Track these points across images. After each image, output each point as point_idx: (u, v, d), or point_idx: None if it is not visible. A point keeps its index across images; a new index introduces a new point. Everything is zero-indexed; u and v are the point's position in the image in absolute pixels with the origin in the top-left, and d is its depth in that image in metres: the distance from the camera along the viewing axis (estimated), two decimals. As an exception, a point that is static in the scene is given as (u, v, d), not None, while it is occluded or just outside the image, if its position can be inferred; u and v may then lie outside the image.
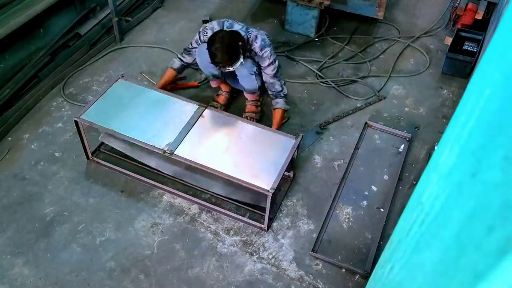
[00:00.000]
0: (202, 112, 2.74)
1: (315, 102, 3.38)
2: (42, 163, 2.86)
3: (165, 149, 2.52)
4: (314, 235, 2.56)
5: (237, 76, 2.91)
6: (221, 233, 2.57)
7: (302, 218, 2.65)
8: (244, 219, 2.61)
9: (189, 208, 2.67)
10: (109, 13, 3.66)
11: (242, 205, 2.67)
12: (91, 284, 2.32)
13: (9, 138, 3.01)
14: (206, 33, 2.82)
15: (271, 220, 2.59)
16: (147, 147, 2.56)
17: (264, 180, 2.40)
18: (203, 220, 2.61)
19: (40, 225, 2.54)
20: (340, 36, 4.00)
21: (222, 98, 3.21)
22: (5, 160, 2.87)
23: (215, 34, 2.65)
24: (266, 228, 2.55)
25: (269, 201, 2.38)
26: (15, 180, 2.76)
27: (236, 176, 2.42)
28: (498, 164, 0.55)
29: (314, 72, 3.62)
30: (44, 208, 2.62)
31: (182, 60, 3.07)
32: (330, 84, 3.51)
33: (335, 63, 3.73)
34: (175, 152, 2.51)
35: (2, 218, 2.57)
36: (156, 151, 2.54)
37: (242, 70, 2.81)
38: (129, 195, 2.72)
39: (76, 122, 2.68)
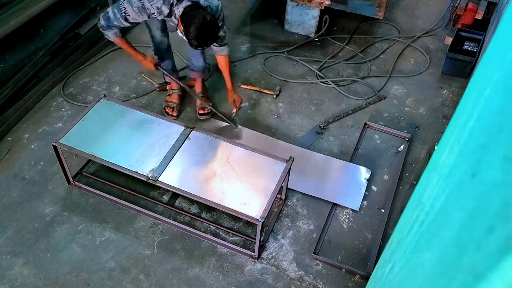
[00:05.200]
0: (189, 134, 2.60)
1: (315, 102, 3.38)
2: (42, 163, 2.86)
3: (149, 176, 2.39)
4: (314, 235, 2.56)
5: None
6: (221, 233, 2.57)
7: (302, 218, 2.65)
8: (233, 246, 2.48)
9: (189, 208, 2.67)
10: (109, 13, 3.66)
11: (231, 231, 2.56)
12: (91, 284, 2.32)
13: (9, 138, 3.01)
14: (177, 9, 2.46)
15: (262, 247, 2.48)
16: (130, 174, 2.42)
17: (254, 208, 2.28)
18: (203, 220, 2.61)
19: (40, 225, 2.54)
20: (340, 36, 4.00)
21: (175, 97, 3.18)
22: (5, 160, 2.87)
23: (203, 17, 2.37)
24: (257, 257, 2.43)
25: (259, 230, 2.27)
26: (15, 180, 2.76)
27: (224, 204, 2.30)
28: (498, 164, 0.55)
29: (314, 72, 3.62)
30: (44, 208, 2.62)
31: (119, 29, 2.63)
32: (330, 84, 3.51)
33: (335, 63, 3.73)
34: (159, 179, 2.38)
35: (2, 218, 2.57)
36: (139, 177, 2.41)
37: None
38: (129, 194, 2.71)
39: (54, 147, 2.52)
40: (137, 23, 2.67)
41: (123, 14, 2.48)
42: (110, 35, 2.63)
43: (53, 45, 3.43)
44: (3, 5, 3.01)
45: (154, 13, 2.49)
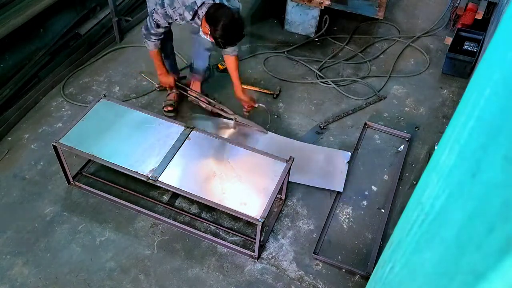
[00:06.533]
0: (189, 134, 2.60)
1: (315, 102, 3.38)
2: (42, 163, 2.86)
3: (149, 176, 2.38)
4: (314, 235, 2.56)
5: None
6: (221, 233, 2.57)
7: (302, 218, 2.65)
8: (233, 246, 2.47)
9: (189, 208, 2.67)
10: (109, 13, 3.66)
11: (231, 231, 2.56)
12: (91, 284, 2.32)
13: (9, 138, 3.01)
14: (200, 9, 2.48)
15: (262, 247, 2.47)
16: (130, 174, 2.42)
17: (254, 208, 2.27)
18: (203, 220, 2.61)
19: (40, 225, 2.54)
20: (340, 36, 4.00)
21: (174, 96, 3.21)
22: (5, 160, 2.86)
23: (231, 15, 2.42)
24: (257, 257, 2.43)
25: (259, 230, 2.26)
26: (15, 180, 2.76)
27: (224, 204, 2.29)
28: (498, 164, 0.55)
29: (314, 72, 3.62)
30: (44, 208, 2.62)
31: (157, 37, 2.74)
32: (330, 84, 3.51)
33: (335, 63, 3.73)
34: (159, 179, 2.38)
35: (2, 218, 2.56)
36: (139, 177, 2.41)
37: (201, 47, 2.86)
38: (129, 194, 2.71)
39: (54, 147, 2.52)
40: (169, 27, 2.77)
41: (155, 21, 2.62)
42: (151, 44, 2.77)
43: (53, 45, 3.43)
44: (3, 5, 3.01)
45: (176, 19, 2.59)
